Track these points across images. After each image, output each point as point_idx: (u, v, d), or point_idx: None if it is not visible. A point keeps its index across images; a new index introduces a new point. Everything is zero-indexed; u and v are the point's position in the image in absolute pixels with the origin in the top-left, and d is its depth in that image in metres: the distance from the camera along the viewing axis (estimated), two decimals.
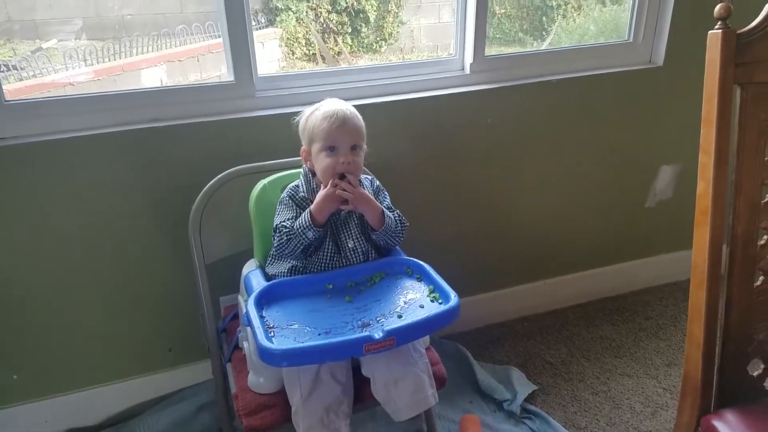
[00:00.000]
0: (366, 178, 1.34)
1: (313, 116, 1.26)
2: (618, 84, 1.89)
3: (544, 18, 2.47)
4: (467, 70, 1.77)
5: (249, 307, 1.11)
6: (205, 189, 1.43)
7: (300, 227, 1.19)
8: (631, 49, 1.92)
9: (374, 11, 2.77)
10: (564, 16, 2.67)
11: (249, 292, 1.21)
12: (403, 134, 1.70)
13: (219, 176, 1.44)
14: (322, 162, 1.23)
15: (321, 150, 1.23)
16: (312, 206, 1.21)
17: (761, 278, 1.05)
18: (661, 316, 2.10)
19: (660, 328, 2.04)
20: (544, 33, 2.55)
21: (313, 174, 1.29)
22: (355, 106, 1.31)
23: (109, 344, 1.65)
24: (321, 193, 1.22)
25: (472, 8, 1.70)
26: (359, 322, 1.09)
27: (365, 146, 1.29)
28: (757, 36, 0.92)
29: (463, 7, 1.73)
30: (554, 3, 2.42)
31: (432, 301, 1.14)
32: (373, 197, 1.25)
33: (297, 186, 1.29)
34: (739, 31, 0.92)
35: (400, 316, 1.10)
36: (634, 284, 2.23)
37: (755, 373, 1.08)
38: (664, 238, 2.20)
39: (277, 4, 2.64)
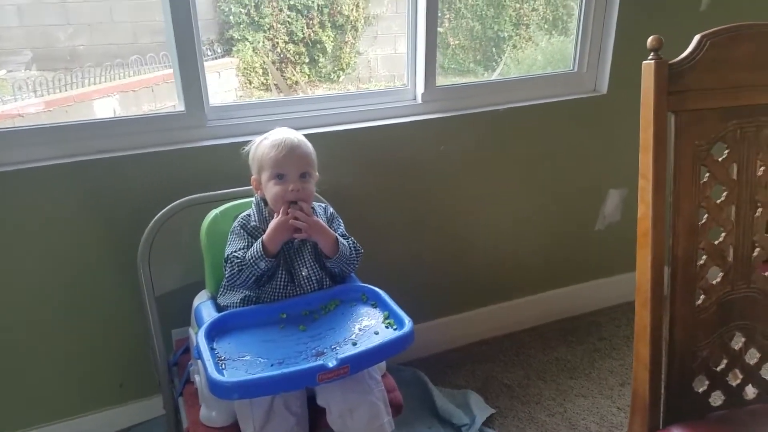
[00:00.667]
0: (319, 205, 1.34)
1: (261, 145, 1.26)
2: (564, 112, 1.95)
3: (494, 49, 2.54)
4: (419, 100, 1.80)
5: (199, 339, 1.08)
6: (154, 219, 1.40)
7: (252, 257, 1.18)
8: (576, 78, 1.99)
9: (331, 42, 2.79)
10: (515, 47, 2.75)
11: (200, 324, 1.18)
12: (356, 162, 1.71)
13: (169, 206, 1.41)
14: (271, 190, 1.22)
15: (270, 178, 1.22)
16: (264, 236, 1.19)
17: (702, 297, 1.08)
18: (615, 336, 2.14)
19: (614, 348, 2.08)
20: (494, 63, 2.62)
21: (265, 203, 1.28)
22: (308, 134, 1.31)
23: (56, 381, 1.57)
24: (273, 222, 1.20)
25: (422, 39, 1.74)
26: (313, 351, 1.07)
27: (316, 174, 1.29)
28: (688, 66, 0.97)
29: (414, 38, 1.77)
30: (505, 34, 2.50)
31: (387, 327, 1.14)
32: (326, 225, 1.25)
33: (249, 215, 1.28)
34: (670, 62, 0.96)
35: (354, 344, 1.09)
36: (588, 305, 2.27)
37: (701, 390, 1.11)
38: (614, 259, 2.26)
39: (234, 34, 2.63)
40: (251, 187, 1.42)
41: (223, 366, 1.03)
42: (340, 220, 1.34)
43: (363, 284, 1.27)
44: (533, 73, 2.10)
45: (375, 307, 1.21)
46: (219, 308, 1.25)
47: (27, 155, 1.42)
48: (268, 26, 2.65)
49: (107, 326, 1.58)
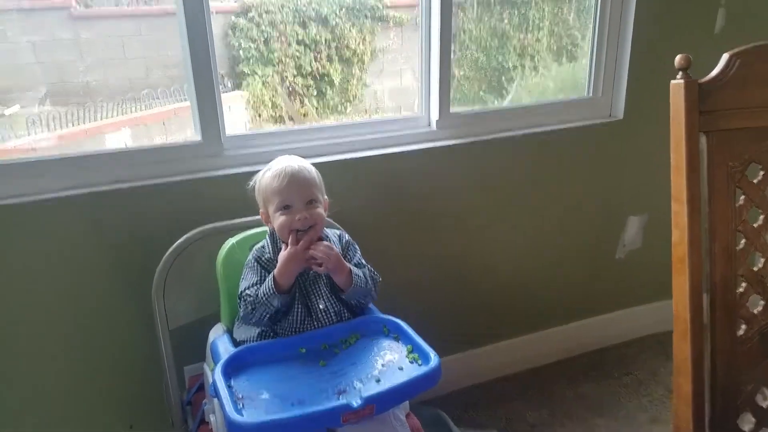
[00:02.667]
0: (334, 232, 1.31)
1: (264, 178, 1.24)
2: (581, 138, 1.93)
3: (503, 77, 2.55)
4: (433, 126, 1.79)
5: (216, 376, 1.05)
6: (170, 250, 1.37)
7: (264, 295, 1.15)
8: (592, 104, 1.98)
9: (338, 75, 2.83)
10: (522, 77, 2.76)
11: (216, 360, 1.15)
12: (371, 190, 1.69)
13: (185, 237, 1.39)
14: (277, 221, 1.20)
15: (276, 210, 1.20)
16: (275, 270, 1.16)
17: (743, 327, 1.04)
18: (641, 370, 2.08)
19: (641, 383, 2.01)
20: (504, 92, 2.63)
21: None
22: (322, 162, 1.30)
23: (64, 422, 1.53)
24: (283, 254, 1.17)
25: (436, 64, 1.74)
26: (335, 389, 1.03)
27: (325, 198, 1.27)
28: (718, 85, 0.95)
29: (428, 63, 1.77)
30: (510, 64, 2.50)
31: (411, 362, 1.10)
32: (340, 255, 1.22)
33: (263, 247, 1.26)
34: (700, 81, 0.94)
35: (378, 380, 1.05)
36: (611, 338, 2.21)
37: (747, 429, 1.05)
38: (636, 289, 2.21)
39: (244, 69, 2.67)
40: None
41: (242, 405, 0.99)
42: (356, 246, 1.31)
43: (384, 316, 1.23)
44: (548, 99, 2.08)
45: (397, 341, 1.17)
46: (235, 343, 1.21)
47: (39, 187, 1.40)
48: (278, 60, 2.69)
49: (116, 363, 1.54)
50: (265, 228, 1.33)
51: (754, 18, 1.97)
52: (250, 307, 1.15)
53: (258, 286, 1.17)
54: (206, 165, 1.56)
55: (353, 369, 1.09)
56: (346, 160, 1.64)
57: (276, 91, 2.58)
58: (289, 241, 1.17)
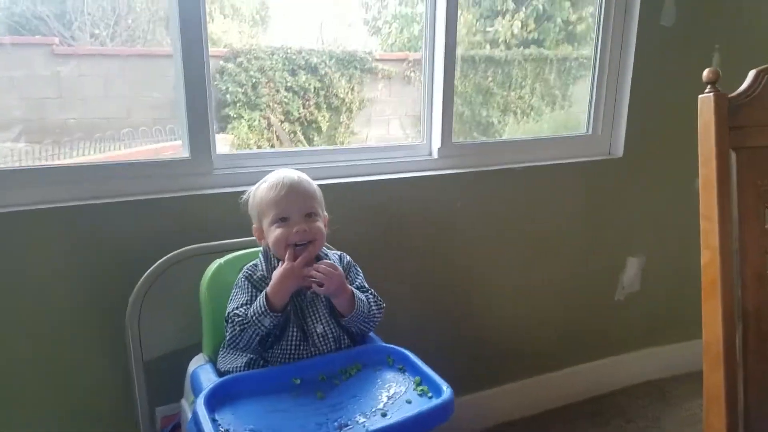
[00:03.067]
0: (335, 254, 1.22)
1: (259, 189, 1.16)
2: (580, 174, 1.90)
3: (494, 120, 2.56)
4: (435, 155, 1.75)
5: (198, 408, 0.93)
6: (147, 273, 1.27)
7: (255, 314, 1.05)
8: (591, 141, 1.96)
9: (326, 122, 2.83)
10: (517, 122, 2.78)
11: (197, 392, 1.03)
12: (368, 216, 1.61)
13: (163, 258, 1.28)
14: (273, 235, 1.11)
15: (272, 223, 1.12)
16: (268, 288, 1.07)
17: None
18: (642, 417, 1.98)
19: (643, 430, 1.91)
20: (496, 134, 2.63)
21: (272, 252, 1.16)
22: (319, 185, 1.22)
23: None
24: (278, 271, 1.08)
25: (439, 92, 1.71)
26: (335, 424, 0.92)
27: (325, 213, 1.19)
28: (745, 101, 0.92)
29: (430, 92, 1.74)
30: (494, 119, 2.50)
31: (420, 395, 1.00)
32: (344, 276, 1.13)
33: (255, 265, 1.16)
34: (729, 96, 0.90)
35: (384, 414, 0.94)
36: (611, 384, 2.12)
37: None
38: (634, 333, 2.14)
39: (230, 113, 2.66)
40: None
41: None
42: (359, 269, 1.22)
43: (388, 345, 1.13)
44: (548, 135, 2.07)
45: (403, 372, 1.07)
46: (219, 373, 1.10)
47: (6, 199, 1.29)
48: (265, 105, 2.68)
49: (82, 399, 1.39)
50: (257, 249, 1.24)
51: (748, 62, 1.98)
52: (238, 328, 1.05)
53: (248, 306, 1.07)
54: (194, 183, 1.47)
55: (355, 402, 0.99)
56: (342, 183, 1.57)
57: (262, 135, 2.55)
58: (286, 256, 1.08)
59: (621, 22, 1.87)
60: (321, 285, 1.07)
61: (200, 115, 1.44)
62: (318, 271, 1.07)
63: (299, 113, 2.63)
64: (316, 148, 1.80)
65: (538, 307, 1.95)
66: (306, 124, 2.70)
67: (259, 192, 1.16)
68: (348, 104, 2.73)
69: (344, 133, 3.03)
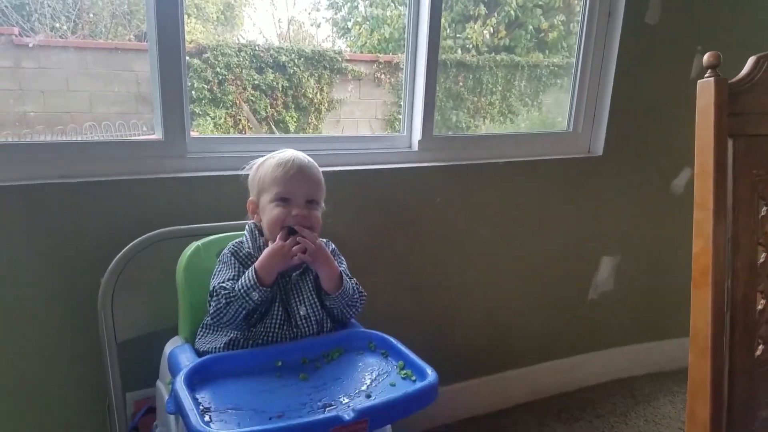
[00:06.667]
0: (320, 240, 1.19)
1: (265, 164, 1.13)
2: (560, 171, 1.91)
3: (464, 125, 2.56)
4: (415, 147, 1.72)
5: (177, 386, 0.88)
6: (122, 253, 1.22)
7: (243, 288, 1.01)
8: (571, 138, 1.97)
9: (294, 122, 2.81)
10: (492, 120, 2.79)
11: (175, 372, 0.98)
12: (345, 206, 1.57)
13: (139, 239, 1.24)
14: (270, 213, 1.08)
15: (271, 200, 1.09)
16: (257, 263, 1.04)
17: (761, 347, 0.97)
18: (611, 413, 2.00)
19: (612, 426, 1.93)
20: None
21: (260, 232, 1.12)
22: None
23: None
24: (268, 249, 1.05)
25: (421, 85, 1.68)
26: (319, 403, 0.89)
27: (323, 205, 1.16)
28: (745, 87, 0.92)
29: (412, 83, 1.71)
30: (463, 124, 2.51)
31: (404, 378, 0.97)
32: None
33: (241, 242, 1.13)
34: (730, 81, 0.90)
35: (368, 396, 0.92)
36: (579, 381, 2.14)
37: None
38: (605, 331, 2.16)
39: (195, 109, 2.61)
40: (238, 221, 1.28)
41: (209, 418, 0.83)
42: (342, 258, 1.19)
43: (370, 330, 1.10)
44: (531, 130, 2.07)
45: (386, 357, 1.05)
46: (198, 354, 1.05)
47: None
48: (231, 103, 2.64)
49: (50, 385, 1.32)
50: (238, 233, 1.20)
51: (729, 67, 2.03)
52: (224, 301, 1.01)
53: (234, 281, 1.04)
54: (167, 166, 1.41)
55: (338, 384, 0.96)
56: (328, 172, 1.53)
57: (228, 133, 2.50)
58: (279, 235, 1.05)
59: (605, 18, 1.88)
60: (305, 252, 1.05)
61: (175, 95, 1.39)
62: (304, 236, 1.05)
63: (266, 112, 2.59)
64: (294, 135, 1.77)
65: (512, 304, 1.94)
66: (273, 123, 2.67)
67: (265, 166, 1.12)
68: (317, 105, 2.71)
69: (313, 133, 3.00)
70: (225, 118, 2.61)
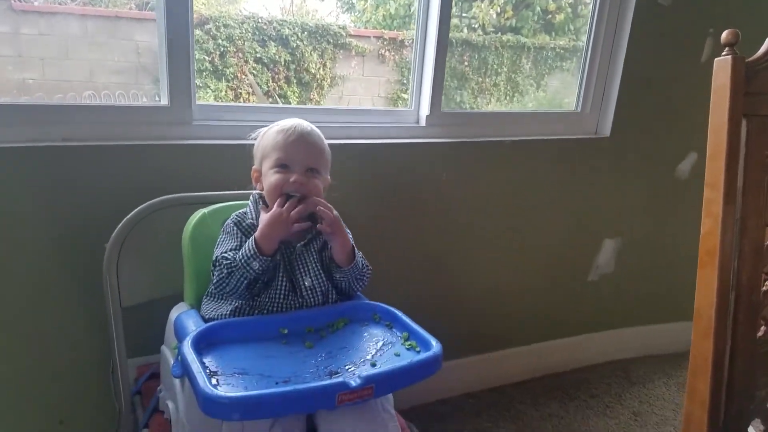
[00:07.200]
0: None
1: (269, 131, 1.13)
2: (567, 151, 1.90)
3: (467, 105, 2.54)
4: (423, 122, 1.72)
5: (185, 350, 0.89)
6: (127, 218, 1.21)
7: (243, 257, 1.02)
8: (579, 119, 1.97)
9: (296, 97, 2.79)
10: (498, 100, 2.77)
11: (182, 336, 0.99)
12: (350, 180, 1.56)
13: (145, 204, 1.23)
14: (269, 179, 1.08)
15: (272, 167, 1.09)
16: (257, 232, 1.04)
17: (763, 329, 0.98)
18: (606, 394, 2.02)
19: (607, 406, 1.95)
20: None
21: (265, 201, 1.13)
22: None
23: None
24: (266, 216, 1.05)
25: (431, 58, 1.67)
26: (326, 370, 0.90)
27: (327, 177, 1.16)
28: (762, 66, 0.91)
29: (422, 58, 1.70)
30: (467, 105, 2.49)
31: (409, 349, 0.98)
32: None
33: (245, 212, 1.13)
34: (747, 60, 0.90)
35: (373, 364, 0.93)
36: (576, 361, 2.16)
37: None
38: (603, 313, 2.18)
39: (196, 81, 2.59)
40: (243, 191, 1.28)
41: (216, 382, 0.84)
42: (349, 233, 1.19)
43: (375, 302, 1.11)
44: (538, 108, 2.06)
45: (391, 329, 1.06)
46: (204, 320, 1.06)
47: None
48: (233, 76, 2.61)
49: (48, 347, 1.33)
50: (243, 202, 1.19)
51: (740, 49, 2.01)
52: (226, 271, 1.01)
53: (236, 251, 1.04)
54: (173, 133, 1.41)
55: (344, 353, 0.97)
56: (331, 144, 1.53)
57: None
58: (276, 202, 1.05)
59: None
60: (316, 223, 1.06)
61: (182, 59, 1.38)
62: (321, 207, 1.06)
63: (268, 86, 2.56)
64: (301, 106, 1.76)
65: (513, 282, 1.95)
66: (275, 98, 2.64)
67: (268, 134, 1.13)
68: (319, 80, 2.68)
69: (319, 106, 2.98)
70: (226, 91, 2.59)
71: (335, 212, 1.08)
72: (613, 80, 1.92)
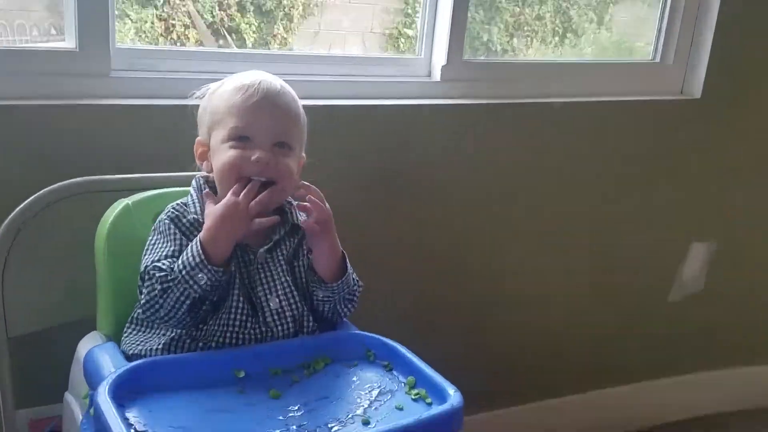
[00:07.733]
0: (301, 214, 1.20)
1: (221, 88, 1.15)
2: (640, 118, 1.94)
3: (498, 47, 2.57)
4: (436, 77, 1.75)
5: (100, 400, 0.91)
6: (15, 212, 1.23)
7: (185, 267, 1.03)
8: (658, 73, 2.01)
9: (253, 33, 2.80)
10: (543, 41, 2.80)
11: (95, 380, 1.01)
12: (334, 156, 1.59)
13: (38, 194, 1.24)
14: (222, 156, 1.10)
15: (226, 139, 1.10)
16: (203, 231, 1.05)
17: None
18: None
19: None
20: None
21: (214, 187, 1.15)
22: None
23: None
24: (216, 208, 1.06)
25: None
26: (299, 431, 0.92)
27: (302, 154, 1.19)
28: None
29: None
30: (499, 47, 2.52)
31: (415, 400, 1.01)
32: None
33: (185, 204, 1.14)
34: None
35: (366, 423, 0.95)
36: (650, 417, 2.22)
37: None
38: (687, 350, 2.22)
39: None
40: (181, 174, 1.29)
41: None
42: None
43: (368, 333, 1.14)
44: (600, 58, 2.08)
45: (390, 371, 1.08)
46: (126, 357, 1.08)
47: None
48: (163, 2, 2.61)
49: None
50: (182, 189, 1.21)
51: None
52: (159, 287, 1.02)
53: (174, 258, 1.06)
54: (82, 89, 1.43)
55: (324, 406, 0.99)
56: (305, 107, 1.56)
57: (158, 43, 2.48)
58: (232, 189, 1.06)
59: None
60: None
61: None
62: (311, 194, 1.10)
63: (213, 16, 2.58)
64: (263, 51, 1.81)
65: (562, 302, 2.00)
66: (222, 33, 2.66)
67: (219, 92, 1.14)
68: (286, 8, 2.69)
69: (290, 52, 3.00)
70: (153, 22, 2.60)
71: (327, 206, 1.11)
72: (707, 19, 1.95)
